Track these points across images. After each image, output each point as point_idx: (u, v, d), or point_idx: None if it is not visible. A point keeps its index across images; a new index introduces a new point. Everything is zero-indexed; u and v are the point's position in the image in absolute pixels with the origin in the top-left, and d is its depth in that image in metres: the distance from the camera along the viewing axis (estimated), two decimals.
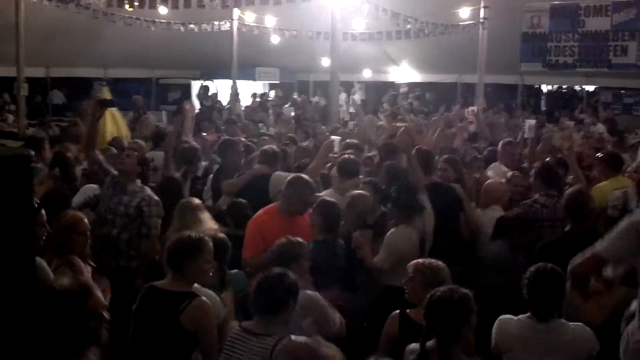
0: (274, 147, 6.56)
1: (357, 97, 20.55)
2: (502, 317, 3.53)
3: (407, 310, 3.64)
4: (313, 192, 4.92)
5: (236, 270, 4.32)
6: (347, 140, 7.50)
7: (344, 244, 4.73)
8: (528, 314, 3.42)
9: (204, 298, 3.42)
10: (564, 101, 22.60)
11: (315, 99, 20.15)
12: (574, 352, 3.32)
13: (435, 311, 3.11)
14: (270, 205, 5.00)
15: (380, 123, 10.72)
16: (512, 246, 4.97)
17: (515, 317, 3.47)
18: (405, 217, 4.84)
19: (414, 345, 3.22)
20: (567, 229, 4.76)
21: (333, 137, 6.52)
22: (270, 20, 16.41)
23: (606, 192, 5.88)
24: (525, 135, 6.84)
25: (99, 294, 3.39)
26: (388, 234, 4.77)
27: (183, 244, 3.51)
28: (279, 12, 15.30)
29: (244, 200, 5.29)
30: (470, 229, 5.55)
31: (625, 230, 3.21)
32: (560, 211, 5.10)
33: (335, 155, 6.44)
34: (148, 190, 5.37)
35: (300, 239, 3.99)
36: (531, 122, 7.32)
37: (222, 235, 4.18)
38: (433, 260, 3.77)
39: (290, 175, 5.12)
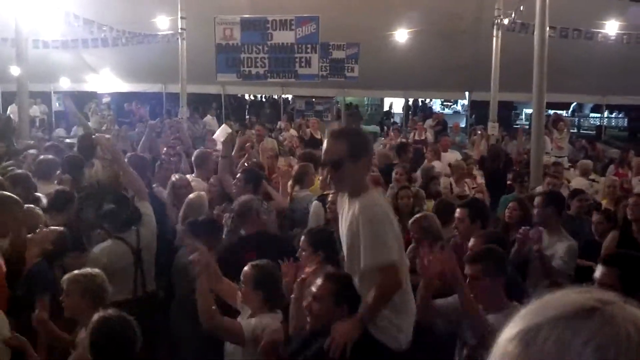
0: None
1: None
2: None
3: None
4: (20, 208, 4.24)
5: None
6: (41, 157, 7.07)
7: None
8: None
9: None
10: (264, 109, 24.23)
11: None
12: None
13: None
14: None
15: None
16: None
17: None
18: (117, 231, 4.62)
19: None
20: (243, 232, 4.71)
21: None
22: None
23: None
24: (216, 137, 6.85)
25: None
26: (94, 249, 4.50)
27: None
28: None
29: None
30: None
31: None
32: None
33: None
34: None
35: None
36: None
37: None
38: (90, 270, 3.67)
39: None
